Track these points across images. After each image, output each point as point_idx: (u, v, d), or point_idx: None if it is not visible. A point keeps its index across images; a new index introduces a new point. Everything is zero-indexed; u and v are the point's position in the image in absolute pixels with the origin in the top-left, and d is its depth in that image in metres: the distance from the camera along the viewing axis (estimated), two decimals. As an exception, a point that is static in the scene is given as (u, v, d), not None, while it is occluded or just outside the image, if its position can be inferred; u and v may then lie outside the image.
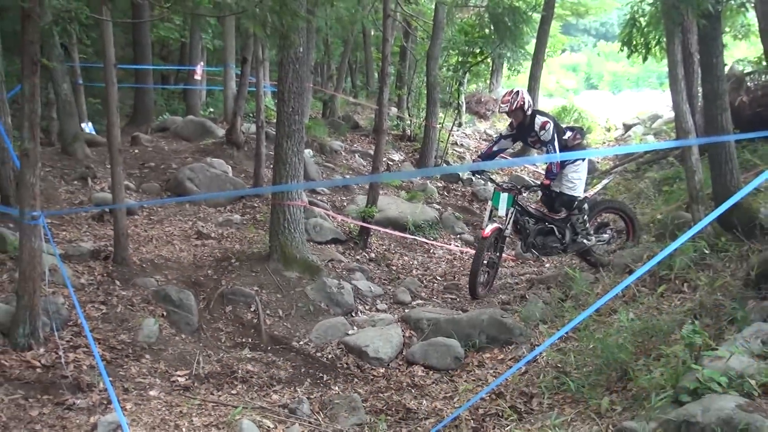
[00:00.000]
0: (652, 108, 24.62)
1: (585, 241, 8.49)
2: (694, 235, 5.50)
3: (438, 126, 16.21)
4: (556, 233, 8.50)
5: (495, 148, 8.58)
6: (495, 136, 9.12)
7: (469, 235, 11.38)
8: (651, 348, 5.29)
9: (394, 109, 18.83)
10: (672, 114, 16.65)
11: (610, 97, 39.15)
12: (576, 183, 8.31)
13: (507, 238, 8.60)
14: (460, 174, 15.05)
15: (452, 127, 18.07)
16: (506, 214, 8.20)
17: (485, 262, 8.21)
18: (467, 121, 21.75)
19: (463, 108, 19.98)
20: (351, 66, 23.91)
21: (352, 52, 22.41)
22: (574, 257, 8.92)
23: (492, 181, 8.74)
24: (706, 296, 5.79)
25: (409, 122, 18.51)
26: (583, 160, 8.39)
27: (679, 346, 4.75)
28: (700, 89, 9.42)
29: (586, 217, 8.47)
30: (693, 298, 6.08)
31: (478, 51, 17.24)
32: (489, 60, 20.07)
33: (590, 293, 7.05)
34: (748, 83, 11.77)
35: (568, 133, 8.43)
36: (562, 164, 8.24)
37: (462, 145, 19.04)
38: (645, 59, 15.73)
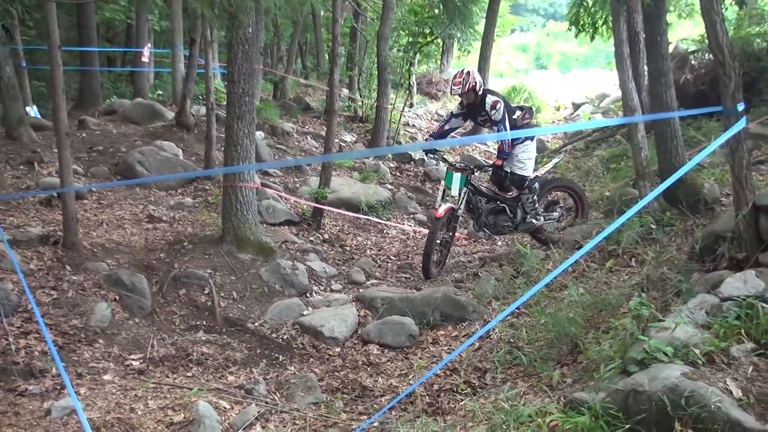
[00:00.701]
0: (601, 87, 24.99)
1: (534, 220, 8.59)
2: (640, 210, 5.65)
3: (389, 107, 16.23)
4: (508, 212, 8.59)
5: (446, 127, 8.61)
6: (446, 115, 9.09)
7: (422, 215, 11.46)
8: (600, 321, 5.40)
9: (345, 91, 18.77)
10: (619, 93, 16.97)
11: (560, 76, 39.46)
12: (526, 162, 8.38)
13: (459, 218, 8.63)
14: (412, 154, 15.11)
15: (403, 108, 18.10)
16: (459, 194, 8.25)
17: (438, 241, 8.25)
18: (418, 101, 21.81)
19: (414, 89, 20.03)
20: (301, 47, 23.75)
21: (301, 33, 22.27)
22: (525, 235, 9.03)
23: (445, 160, 8.75)
24: (652, 270, 5.93)
25: (360, 103, 18.49)
26: (532, 139, 8.49)
27: (627, 318, 4.85)
28: (645, 68, 9.57)
29: (536, 196, 8.55)
30: (640, 272, 6.22)
31: (428, 31, 17.31)
32: (439, 40, 20.17)
33: (541, 269, 7.16)
34: (692, 61, 12.02)
35: (518, 113, 8.50)
36: (512, 144, 8.30)
37: (413, 125, 19.10)
38: (592, 38, 15.99)
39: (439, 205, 8.26)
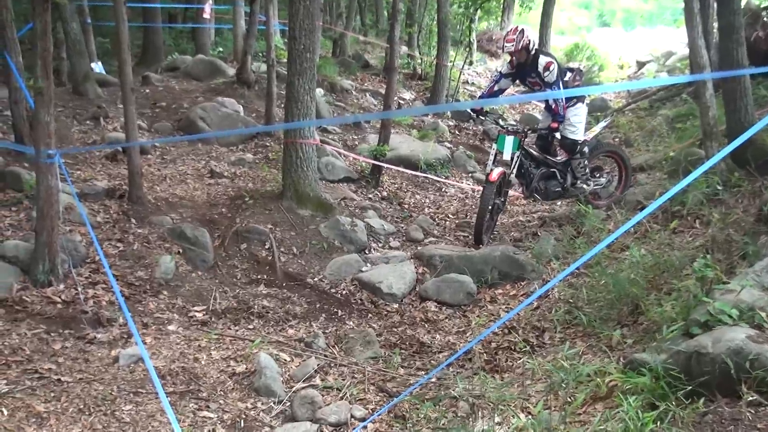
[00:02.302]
0: (666, 45, 24.26)
1: (585, 185, 8.44)
2: (706, 171, 5.51)
3: (449, 64, 16.05)
4: (558, 177, 8.40)
5: (496, 88, 8.40)
6: (495, 74, 8.89)
7: (480, 174, 11.38)
8: (662, 283, 5.34)
9: (404, 48, 18.62)
10: (686, 51, 16.48)
11: (623, 34, 38.42)
12: (577, 126, 8.19)
13: (511, 183, 8.42)
14: (470, 111, 14.97)
15: (463, 66, 17.87)
16: (511, 158, 7.99)
17: (490, 207, 8.01)
18: (478, 59, 21.53)
19: (474, 46, 19.74)
20: (360, 4, 23.57)
21: (361, -10, 22.11)
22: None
23: (497, 123, 8.52)
24: (718, 232, 5.81)
25: (419, 61, 18.33)
26: (583, 101, 8.32)
27: (691, 280, 4.80)
28: (715, 25, 9.27)
29: (586, 161, 8.44)
30: (705, 233, 6.12)
31: (490, -13, 17.01)
32: (500, -4, 19.83)
33: (602, 229, 7.08)
34: (765, 18, 11.58)
35: (569, 74, 8.34)
36: (566, 107, 8.10)
37: (473, 83, 18.89)
38: (660, -6, 15.49)
39: (491, 170, 7.96)
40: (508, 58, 8.22)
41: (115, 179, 8.25)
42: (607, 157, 9.04)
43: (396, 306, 6.66)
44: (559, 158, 8.46)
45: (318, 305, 6.51)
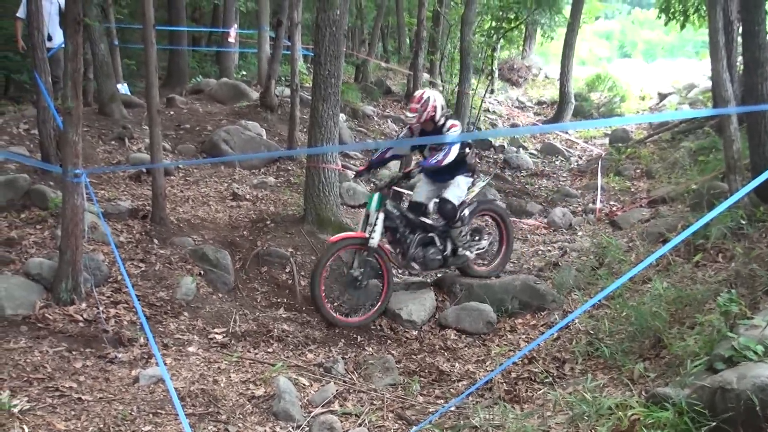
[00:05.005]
0: (688, 77, 24.26)
1: (467, 252, 7.38)
2: (731, 205, 5.48)
3: (471, 92, 16.13)
4: (437, 244, 7.21)
5: (388, 155, 7.27)
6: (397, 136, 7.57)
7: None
8: (685, 316, 5.30)
9: (426, 75, 18.73)
10: (708, 83, 16.48)
11: (644, 65, 38.50)
12: (460, 187, 7.13)
13: (376, 252, 6.79)
14: (492, 141, 15.01)
15: (485, 94, 17.97)
16: (375, 218, 6.72)
17: (325, 274, 6.71)
18: (499, 87, 21.63)
19: (496, 74, 19.85)
20: (383, 31, 23.78)
21: (384, 17, 22.27)
22: (608, 226, 8.86)
23: (371, 181, 7.14)
24: (741, 266, 5.76)
25: (441, 88, 18.42)
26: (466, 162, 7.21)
27: (714, 315, 4.75)
28: (740, 59, 9.26)
29: (467, 227, 7.38)
30: (728, 268, 6.06)
31: (512, 17, 17.10)
32: (522, 26, 19.92)
33: (624, 261, 7.05)
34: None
35: (467, 150, 7.21)
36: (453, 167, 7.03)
37: (494, 112, 18.96)
38: (683, 27, 15.60)
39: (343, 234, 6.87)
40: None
41: (138, 199, 8.32)
42: (486, 215, 7.99)
43: (415, 333, 6.64)
44: (438, 222, 7.31)
45: (337, 330, 6.50)
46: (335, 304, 6.90)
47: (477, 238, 7.64)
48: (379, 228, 6.64)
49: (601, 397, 4.40)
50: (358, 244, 6.69)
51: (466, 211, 7.28)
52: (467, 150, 7.11)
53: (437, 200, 7.13)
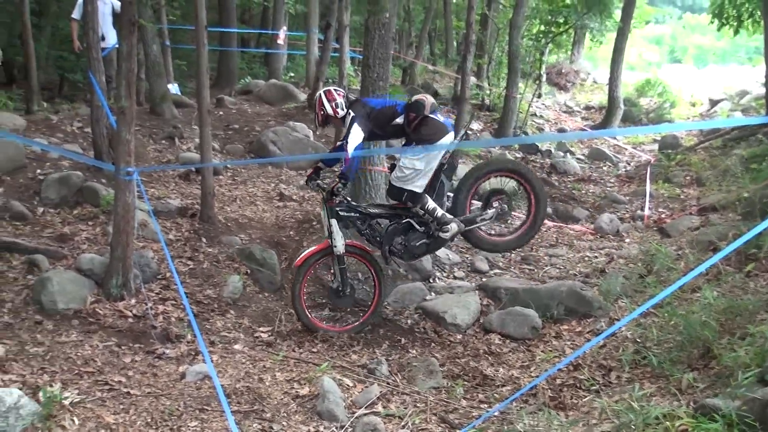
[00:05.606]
0: (740, 83, 23.79)
1: (442, 234, 6.37)
2: (785, 213, 5.38)
3: (518, 96, 16.04)
4: (417, 227, 6.44)
5: (320, 164, 6.71)
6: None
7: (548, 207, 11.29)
8: (736, 327, 5.19)
9: (473, 78, 18.67)
10: (762, 90, 16.15)
11: (695, 71, 37.84)
12: (406, 173, 6.24)
13: (344, 258, 6.40)
14: (539, 145, 14.90)
15: (532, 98, 17.84)
16: (327, 229, 6.32)
17: (304, 297, 6.32)
18: (547, 92, 21.46)
19: (544, 79, 19.69)
20: (430, 34, 23.75)
21: (432, 20, 22.25)
22: (656, 233, 8.71)
23: (321, 188, 6.43)
24: (795, 277, 5.65)
25: (488, 92, 18.34)
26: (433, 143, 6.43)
27: (766, 325, 4.66)
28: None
29: (430, 205, 6.29)
30: (781, 278, 5.94)
31: (561, 21, 16.96)
32: (571, 30, 19.74)
33: (673, 269, 6.94)
34: None
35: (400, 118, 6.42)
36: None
37: (541, 116, 18.82)
38: (736, 32, 15.34)
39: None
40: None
41: (187, 198, 8.44)
42: (503, 177, 6.91)
43: (459, 337, 6.62)
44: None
45: (381, 332, 6.51)
46: (331, 315, 6.79)
47: (496, 204, 6.71)
48: (337, 235, 6.22)
49: (649, 406, 4.34)
50: (325, 255, 6.41)
51: (429, 202, 6.29)
52: (399, 120, 6.37)
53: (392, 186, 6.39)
